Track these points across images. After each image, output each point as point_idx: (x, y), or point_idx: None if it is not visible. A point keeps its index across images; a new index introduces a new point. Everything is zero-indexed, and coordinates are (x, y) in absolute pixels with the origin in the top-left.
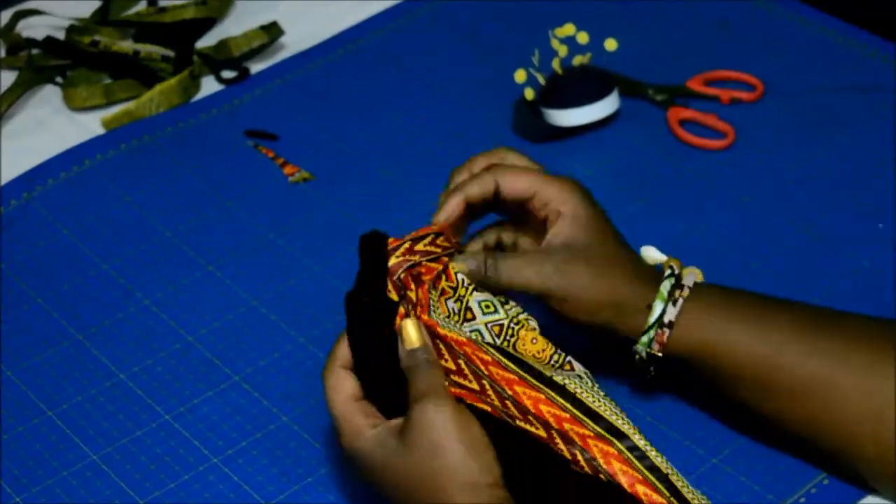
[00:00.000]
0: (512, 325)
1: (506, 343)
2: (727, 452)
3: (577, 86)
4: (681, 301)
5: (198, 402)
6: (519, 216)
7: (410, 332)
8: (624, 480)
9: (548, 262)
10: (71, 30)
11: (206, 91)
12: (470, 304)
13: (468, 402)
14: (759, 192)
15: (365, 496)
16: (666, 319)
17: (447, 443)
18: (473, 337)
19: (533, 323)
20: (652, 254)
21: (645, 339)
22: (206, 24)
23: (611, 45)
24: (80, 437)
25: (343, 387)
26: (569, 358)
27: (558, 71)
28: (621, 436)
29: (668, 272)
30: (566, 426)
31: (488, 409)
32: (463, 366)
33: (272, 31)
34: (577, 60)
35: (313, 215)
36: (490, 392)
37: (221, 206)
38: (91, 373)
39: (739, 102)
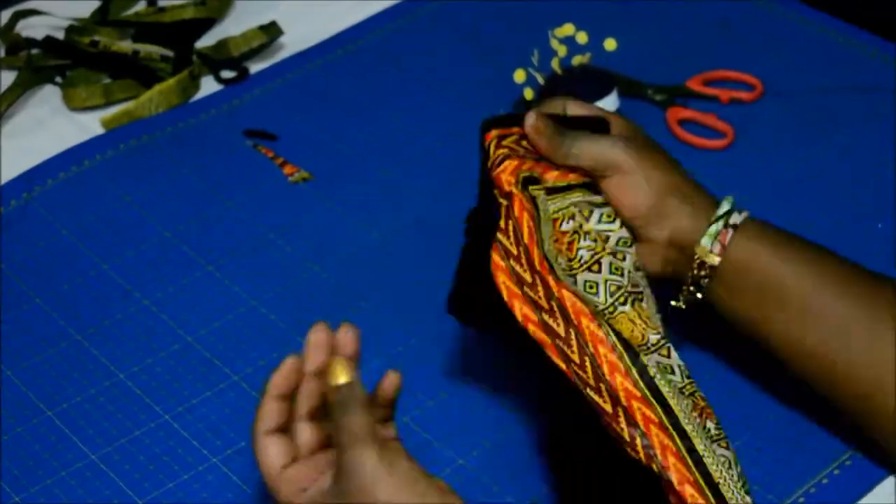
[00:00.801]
0: (627, 293)
1: (612, 308)
2: None
3: (576, 86)
4: (745, 213)
5: (197, 402)
6: None
7: (337, 368)
8: (675, 477)
9: (616, 142)
10: (70, 30)
11: (205, 91)
12: (602, 259)
13: (547, 350)
14: (759, 192)
15: None
16: (731, 221)
17: (377, 484)
18: (579, 288)
19: (646, 305)
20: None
21: (713, 229)
22: (206, 24)
23: (610, 45)
24: (80, 437)
25: (268, 456)
26: (668, 344)
27: (558, 71)
28: (684, 435)
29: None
30: (634, 405)
31: (563, 366)
32: (555, 307)
33: (271, 31)
34: (577, 60)
35: (313, 215)
36: (573, 342)
37: (221, 206)
38: (91, 373)
39: (739, 102)
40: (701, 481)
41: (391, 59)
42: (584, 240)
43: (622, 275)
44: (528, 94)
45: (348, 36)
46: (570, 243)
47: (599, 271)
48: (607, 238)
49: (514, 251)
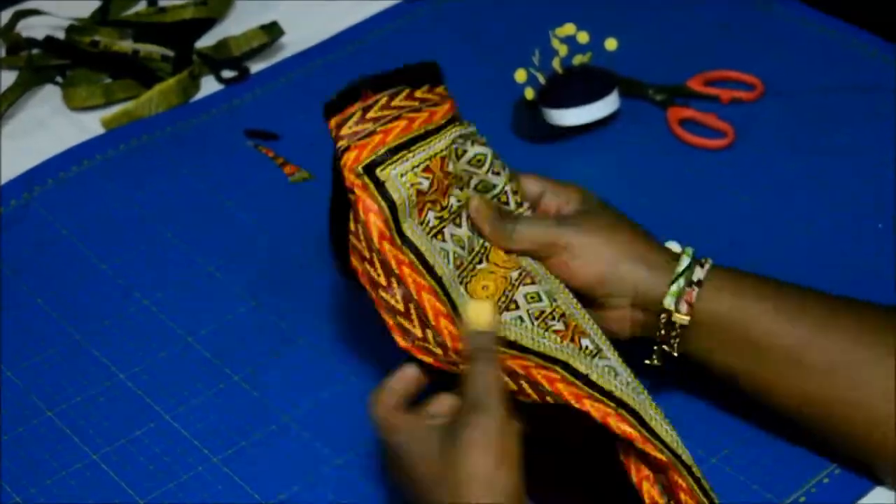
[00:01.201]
0: (474, 256)
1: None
2: (726, 452)
3: (577, 85)
4: (708, 264)
5: (198, 402)
6: None
7: (481, 312)
8: (571, 399)
9: (559, 220)
10: (71, 30)
11: (205, 91)
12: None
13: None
14: (759, 192)
15: (365, 496)
16: (695, 278)
17: (481, 447)
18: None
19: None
20: (674, 247)
21: (674, 288)
22: (206, 23)
23: (611, 44)
24: (80, 437)
25: (388, 401)
26: (530, 274)
27: (558, 71)
28: (566, 366)
29: (686, 248)
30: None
31: (432, 361)
32: (412, 310)
33: (272, 31)
34: (578, 60)
35: (313, 215)
36: (431, 341)
37: (221, 206)
38: (91, 373)
39: (739, 102)
40: (596, 394)
41: (391, 59)
42: (454, 187)
43: (462, 247)
44: (529, 93)
45: (349, 36)
46: (448, 186)
47: (460, 226)
48: (469, 180)
49: (367, 255)
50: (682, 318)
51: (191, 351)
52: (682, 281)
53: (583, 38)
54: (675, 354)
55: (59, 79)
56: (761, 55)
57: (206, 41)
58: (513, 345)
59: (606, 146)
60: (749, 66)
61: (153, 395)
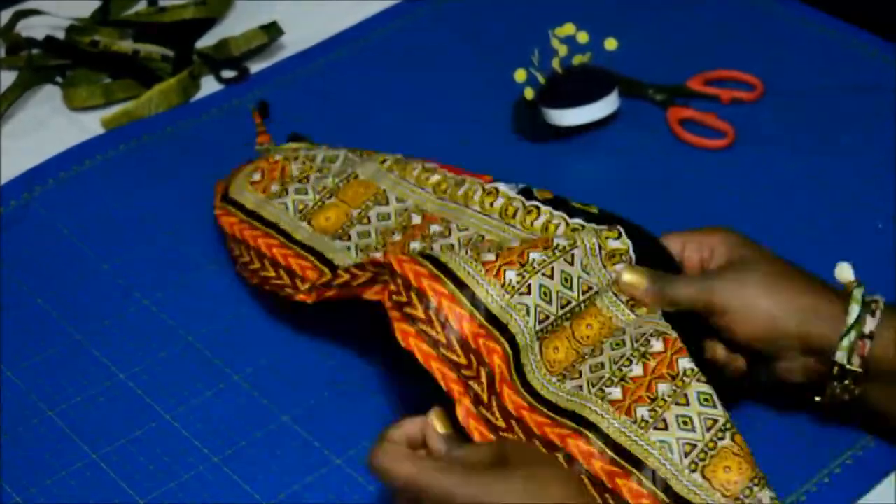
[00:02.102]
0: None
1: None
2: None
3: (577, 85)
4: (879, 312)
5: (198, 402)
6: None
7: (438, 419)
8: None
9: (711, 277)
10: (71, 30)
11: (205, 91)
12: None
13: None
14: (759, 192)
15: (365, 496)
16: (866, 330)
17: (521, 469)
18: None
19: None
20: (845, 274)
21: (846, 343)
22: (206, 23)
23: (611, 44)
24: (80, 437)
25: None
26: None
27: (558, 70)
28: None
29: (855, 290)
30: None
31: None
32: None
33: (272, 31)
34: (577, 60)
35: None
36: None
37: None
38: (91, 373)
39: (739, 102)
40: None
41: (391, 58)
42: (536, 249)
43: (549, 300)
44: (529, 93)
45: (349, 36)
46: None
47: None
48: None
49: (422, 316)
50: (855, 368)
51: (191, 351)
52: (853, 335)
53: (582, 37)
54: (847, 398)
55: (59, 79)
56: (761, 55)
57: (206, 41)
58: (559, 410)
59: (606, 146)
60: (749, 66)
61: (153, 395)
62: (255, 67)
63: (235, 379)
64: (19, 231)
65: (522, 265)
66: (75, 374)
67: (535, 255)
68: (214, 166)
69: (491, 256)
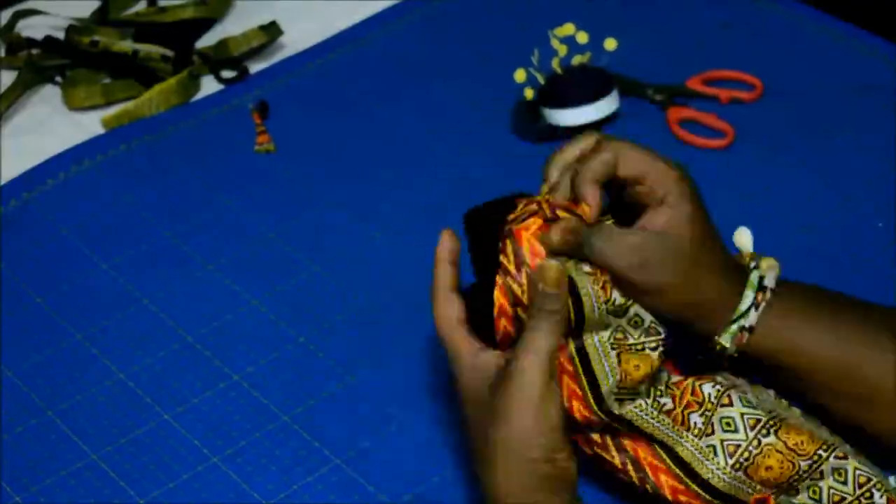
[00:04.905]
0: (755, 442)
1: (744, 457)
2: None
3: (576, 85)
4: (762, 306)
5: (198, 402)
6: (616, 193)
7: (552, 273)
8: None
9: (636, 254)
10: (70, 30)
11: (205, 91)
12: (713, 419)
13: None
14: (759, 192)
15: (365, 496)
16: (746, 324)
17: (525, 405)
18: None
19: (793, 418)
20: (744, 240)
21: (724, 339)
22: (206, 23)
23: (610, 44)
24: (80, 437)
25: (449, 308)
26: (836, 447)
27: (558, 71)
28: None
29: (752, 272)
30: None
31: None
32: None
33: (271, 31)
34: (577, 60)
35: (313, 216)
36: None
37: (221, 206)
38: (91, 373)
39: (739, 102)
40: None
41: (391, 58)
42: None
43: (735, 430)
44: (529, 93)
45: (348, 36)
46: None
47: (713, 433)
48: (709, 395)
49: (514, 270)
50: (731, 353)
51: (191, 351)
52: (735, 327)
53: (582, 38)
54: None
55: (58, 79)
56: (761, 55)
57: (205, 41)
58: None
59: None
60: (749, 65)
61: (153, 395)
62: (255, 67)
63: (235, 379)
64: (19, 231)
65: None
66: (75, 374)
67: None
68: (214, 166)
69: None
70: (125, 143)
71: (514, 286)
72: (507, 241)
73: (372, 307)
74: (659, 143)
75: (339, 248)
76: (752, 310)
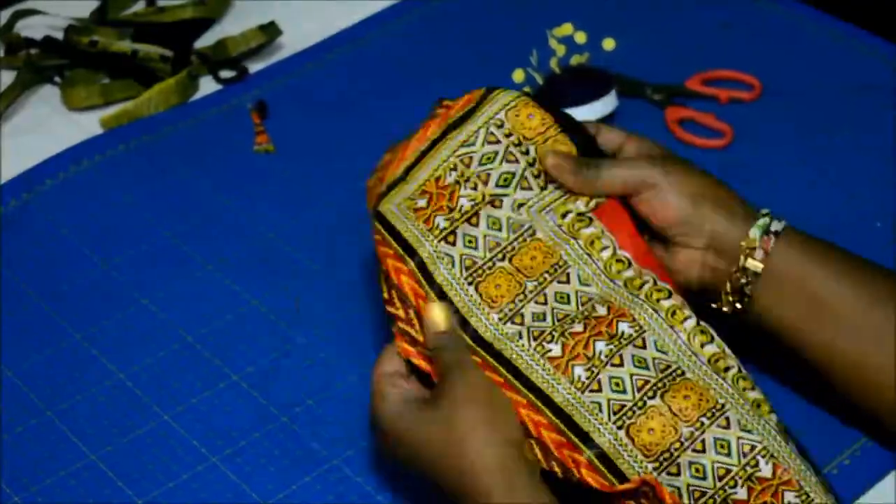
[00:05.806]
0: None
1: (491, 263)
2: None
3: (575, 85)
4: (784, 221)
5: (197, 402)
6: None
7: (437, 315)
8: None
9: (641, 159)
10: (69, 30)
11: (204, 91)
12: (480, 211)
13: None
14: (758, 192)
15: (365, 496)
16: (773, 228)
17: (470, 402)
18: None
19: (541, 235)
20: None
21: (754, 233)
22: (205, 23)
23: (609, 44)
24: (80, 437)
25: (384, 362)
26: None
27: (556, 71)
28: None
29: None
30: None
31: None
32: None
33: (270, 31)
34: (576, 60)
35: (313, 216)
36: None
37: (221, 206)
38: (91, 373)
39: (738, 102)
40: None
41: (391, 58)
42: (465, 188)
43: (499, 228)
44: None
45: (348, 36)
46: (452, 193)
47: (478, 225)
48: (487, 178)
49: (403, 315)
50: (755, 264)
51: (191, 351)
52: (760, 229)
53: (580, 38)
54: (740, 306)
55: (57, 79)
56: (760, 55)
57: (204, 41)
58: (503, 360)
59: None
60: (748, 66)
61: (153, 395)
62: (254, 67)
63: (235, 379)
64: (19, 231)
65: None
66: (75, 374)
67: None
68: (213, 166)
69: None
70: (124, 143)
71: (409, 329)
72: (393, 292)
73: (372, 307)
74: None
75: (338, 247)
76: (775, 221)
